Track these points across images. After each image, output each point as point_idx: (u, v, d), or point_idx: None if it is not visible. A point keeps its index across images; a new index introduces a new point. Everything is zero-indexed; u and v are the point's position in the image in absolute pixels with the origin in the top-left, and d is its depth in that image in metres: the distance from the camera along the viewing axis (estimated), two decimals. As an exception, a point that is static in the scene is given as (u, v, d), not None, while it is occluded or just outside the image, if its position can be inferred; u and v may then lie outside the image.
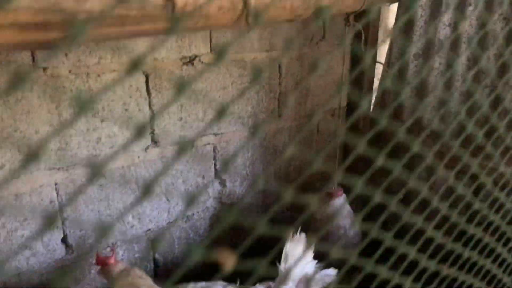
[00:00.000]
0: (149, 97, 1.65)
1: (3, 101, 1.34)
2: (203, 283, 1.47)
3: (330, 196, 1.82)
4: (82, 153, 1.55)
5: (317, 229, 1.77)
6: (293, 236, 1.57)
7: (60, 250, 1.63)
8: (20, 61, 1.34)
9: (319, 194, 1.85)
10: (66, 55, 1.42)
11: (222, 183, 2.06)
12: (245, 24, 1.01)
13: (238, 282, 1.53)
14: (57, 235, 1.61)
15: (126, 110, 1.61)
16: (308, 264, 1.55)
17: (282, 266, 1.50)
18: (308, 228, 1.63)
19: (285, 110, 2.14)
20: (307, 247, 1.57)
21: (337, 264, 1.53)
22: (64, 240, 1.63)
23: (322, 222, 1.78)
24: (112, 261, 1.42)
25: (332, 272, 1.57)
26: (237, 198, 2.14)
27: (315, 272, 1.56)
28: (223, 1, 0.93)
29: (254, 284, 1.49)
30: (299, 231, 1.59)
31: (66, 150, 1.52)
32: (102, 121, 1.57)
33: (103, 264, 1.44)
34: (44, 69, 1.39)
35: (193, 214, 1.98)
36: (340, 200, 1.81)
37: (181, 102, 1.75)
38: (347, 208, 1.83)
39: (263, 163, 2.17)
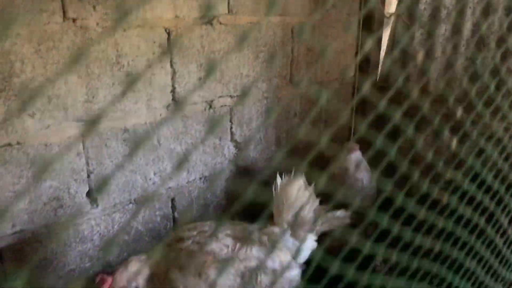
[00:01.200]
0: (171, 54, 1.70)
1: (35, 50, 1.39)
2: (210, 222, 1.50)
3: (348, 150, 1.89)
4: (108, 107, 1.60)
5: (335, 183, 1.84)
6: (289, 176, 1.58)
7: (85, 204, 1.67)
8: (51, 10, 1.38)
9: (338, 149, 1.91)
10: (94, 7, 1.47)
11: (237, 146, 2.11)
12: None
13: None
14: (83, 188, 1.66)
15: (149, 67, 1.66)
16: (308, 204, 1.54)
17: (275, 206, 1.53)
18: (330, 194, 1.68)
19: (296, 76, 2.20)
20: (306, 187, 1.57)
21: (346, 206, 1.54)
22: (89, 193, 1.68)
23: (341, 175, 1.84)
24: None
25: (342, 214, 1.57)
26: (251, 162, 2.20)
27: (321, 212, 1.57)
28: None
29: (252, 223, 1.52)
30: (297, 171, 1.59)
31: (92, 103, 1.57)
32: (127, 75, 1.61)
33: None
34: (74, 20, 1.44)
35: (210, 174, 2.03)
36: (357, 154, 1.88)
37: (200, 62, 1.80)
38: (364, 162, 1.89)
39: (276, 129, 2.23)
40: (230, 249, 1.34)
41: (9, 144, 1.43)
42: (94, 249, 1.76)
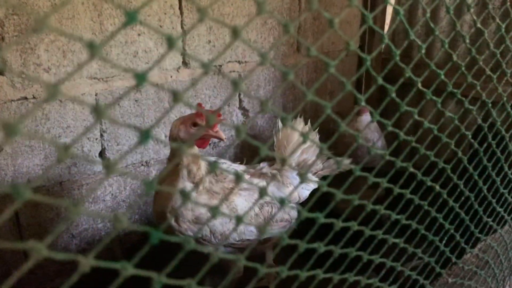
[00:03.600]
0: (182, 16, 1.72)
1: (51, 3, 1.40)
2: (213, 158, 1.52)
3: (358, 113, 1.92)
4: (120, 65, 1.62)
5: (346, 144, 1.86)
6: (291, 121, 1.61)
7: (98, 163, 1.69)
8: (67, -36, 1.40)
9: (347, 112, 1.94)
10: (108, -37, 1.49)
11: (245, 114, 2.14)
12: None
13: (244, 161, 1.60)
14: (96, 148, 1.68)
15: (161, 26, 1.68)
16: (310, 148, 1.56)
17: (276, 149, 1.56)
18: (337, 144, 1.71)
19: (303, 44, 2.22)
20: (308, 132, 1.58)
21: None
22: (101, 153, 1.70)
23: (351, 137, 1.87)
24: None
25: (344, 160, 1.59)
26: (258, 130, 2.22)
27: (322, 158, 1.59)
28: None
29: (258, 163, 1.55)
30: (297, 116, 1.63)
31: (106, 61, 1.58)
32: (139, 35, 1.63)
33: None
34: (88, -25, 1.46)
35: (219, 142, 2.06)
36: (367, 116, 1.91)
37: (210, 25, 1.82)
38: (374, 123, 1.92)
39: (283, 97, 2.26)
40: (249, 180, 1.37)
41: (25, 98, 1.45)
42: (107, 209, 1.78)
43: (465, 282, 1.08)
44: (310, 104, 2.38)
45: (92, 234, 1.76)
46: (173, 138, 1.26)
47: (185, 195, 0.47)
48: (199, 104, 1.27)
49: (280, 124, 1.58)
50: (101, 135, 1.67)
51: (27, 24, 1.38)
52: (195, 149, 1.28)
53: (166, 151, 1.87)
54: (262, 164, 1.52)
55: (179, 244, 0.43)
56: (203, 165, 1.28)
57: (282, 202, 0.59)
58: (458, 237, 0.99)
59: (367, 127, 1.88)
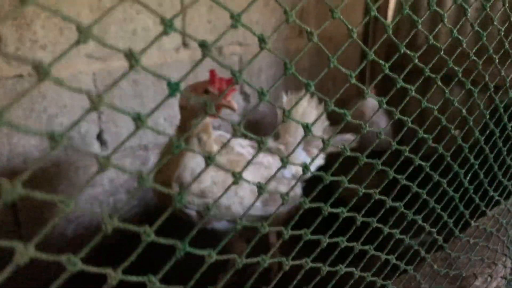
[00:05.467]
0: (181, -6, 1.68)
1: (47, -23, 1.36)
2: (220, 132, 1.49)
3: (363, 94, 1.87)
4: (119, 44, 1.58)
5: (352, 126, 1.82)
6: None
7: (96, 146, 1.65)
8: None
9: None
10: None
11: (246, 99, 2.10)
12: None
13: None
14: (94, 129, 1.64)
15: (161, 5, 1.64)
16: (316, 123, 1.52)
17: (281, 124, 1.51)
18: (343, 126, 1.67)
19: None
20: (314, 105, 1.55)
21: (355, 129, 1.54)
22: (99, 136, 1.66)
23: (356, 118, 1.83)
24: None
25: (351, 137, 1.57)
26: (260, 116, 2.18)
27: (330, 133, 1.56)
28: None
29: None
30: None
31: (104, 39, 1.54)
32: (137, 13, 1.59)
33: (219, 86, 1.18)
34: (85, -51, 1.41)
35: (220, 126, 2.02)
36: (372, 97, 1.86)
37: (210, 4, 1.78)
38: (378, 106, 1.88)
39: (284, 84, 2.21)
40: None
41: (21, 75, 1.41)
42: (104, 194, 1.74)
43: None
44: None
45: (90, 218, 1.72)
46: (183, 106, 1.20)
47: (210, 159, 0.46)
48: (212, 71, 1.18)
49: (284, 97, 1.54)
50: (99, 117, 1.63)
51: (22, -2, 1.34)
52: (206, 118, 1.24)
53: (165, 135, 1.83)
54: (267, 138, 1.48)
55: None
56: (213, 134, 1.24)
57: (305, 167, 0.58)
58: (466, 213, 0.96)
59: (372, 108, 1.85)
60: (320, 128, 1.51)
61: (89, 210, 1.72)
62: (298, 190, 1.41)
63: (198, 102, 1.14)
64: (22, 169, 1.48)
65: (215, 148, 1.22)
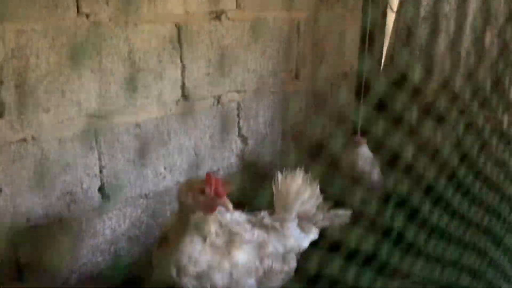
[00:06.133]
0: (181, 49, 1.72)
1: (50, 45, 1.40)
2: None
3: (355, 143, 1.92)
4: (120, 102, 1.61)
5: (343, 175, 1.87)
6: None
7: (97, 198, 1.68)
8: (66, 5, 1.39)
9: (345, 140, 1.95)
10: (107, 2, 1.48)
11: (244, 141, 2.13)
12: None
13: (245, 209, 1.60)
14: (95, 182, 1.67)
15: (160, 61, 1.68)
16: (310, 200, 1.59)
17: (276, 200, 1.58)
18: (335, 175, 1.72)
19: (302, 71, 2.22)
20: (308, 183, 1.60)
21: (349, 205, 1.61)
22: (101, 189, 1.69)
23: (348, 168, 1.87)
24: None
25: (343, 213, 1.63)
26: (257, 156, 2.22)
27: (324, 209, 1.63)
28: None
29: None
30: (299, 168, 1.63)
31: (105, 98, 1.58)
32: (138, 71, 1.63)
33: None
34: (87, 15, 1.45)
35: (218, 169, 2.05)
36: (364, 147, 1.91)
37: (209, 57, 1.82)
38: (370, 154, 1.93)
39: (282, 123, 2.26)
40: (251, 233, 1.38)
41: (24, 140, 1.44)
42: (106, 244, 1.77)
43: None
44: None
45: (92, 268, 1.75)
46: (181, 201, 1.29)
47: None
48: (208, 174, 1.28)
49: (279, 176, 1.58)
50: (100, 171, 1.66)
51: (26, 67, 1.37)
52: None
53: (165, 183, 1.86)
54: (262, 213, 1.52)
55: None
56: (211, 221, 1.29)
57: None
58: None
59: (364, 159, 1.89)
60: (314, 205, 1.57)
61: (90, 260, 1.74)
62: (293, 263, 1.45)
63: (194, 203, 1.22)
64: (25, 228, 1.51)
65: (213, 228, 1.28)
